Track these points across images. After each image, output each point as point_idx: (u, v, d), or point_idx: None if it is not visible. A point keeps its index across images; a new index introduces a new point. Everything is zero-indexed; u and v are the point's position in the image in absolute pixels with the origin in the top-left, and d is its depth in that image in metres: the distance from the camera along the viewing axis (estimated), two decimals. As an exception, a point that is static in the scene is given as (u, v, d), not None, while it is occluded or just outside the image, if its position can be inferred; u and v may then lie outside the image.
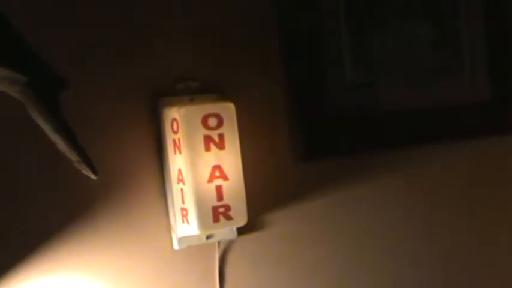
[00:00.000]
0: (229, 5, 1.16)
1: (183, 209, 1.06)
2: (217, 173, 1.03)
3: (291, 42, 1.20)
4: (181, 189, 1.05)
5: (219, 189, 1.03)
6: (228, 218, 1.04)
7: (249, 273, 1.17)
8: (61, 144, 0.71)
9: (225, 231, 1.14)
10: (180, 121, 1.02)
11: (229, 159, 1.04)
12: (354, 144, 1.27)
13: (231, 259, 1.16)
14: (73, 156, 0.72)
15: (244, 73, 1.17)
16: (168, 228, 1.11)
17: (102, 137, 1.05)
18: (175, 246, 1.11)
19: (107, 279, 1.06)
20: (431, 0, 1.39)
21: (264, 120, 1.18)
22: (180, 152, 1.04)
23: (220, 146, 1.03)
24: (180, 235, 1.10)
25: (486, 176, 1.41)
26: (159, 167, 1.11)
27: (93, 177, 0.76)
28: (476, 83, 1.44)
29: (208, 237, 1.13)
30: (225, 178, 1.04)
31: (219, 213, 1.03)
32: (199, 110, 1.02)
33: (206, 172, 1.03)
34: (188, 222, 1.05)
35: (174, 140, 1.06)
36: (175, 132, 1.05)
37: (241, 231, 1.15)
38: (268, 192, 1.18)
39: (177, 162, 1.05)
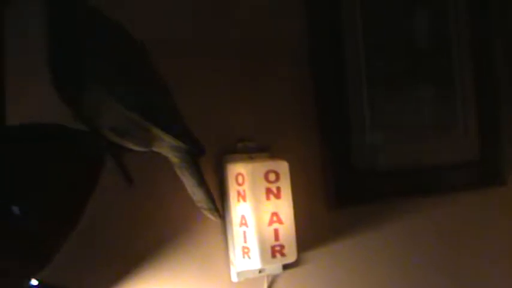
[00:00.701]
0: (278, 85, 1.42)
1: (244, 247, 1.30)
2: (274, 218, 1.28)
3: (325, 117, 1.46)
4: (244, 232, 1.29)
5: (276, 231, 1.28)
6: (283, 255, 1.28)
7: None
8: (199, 195, 0.94)
9: (273, 267, 1.37)
10: (246, 175, 1.27)
11: (284, 207, 1.29)
12: (374, 194, 1.53)
13: (277, 289, 1.40)
14: (206, 204, 0.96)
15: (289, 137, 1.43)
16: (228, 264, 1.34)
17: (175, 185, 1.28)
18: (234, 278, 1.34)
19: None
20: (433, 66, 1.66)
21: (303, 175, 1.42)
22: (245, 201, 1.28)
23: (278, 196, 1.28)
24: (239, 269, 1.33)
25: (480, 221, 1.68)
26: (222, 212, 1.34)
27: (218, 219, 1.00)
28: (468, 142, 1.72)
29: (260, 271, 1.36)
30: (281, 222, 1.28)
31: (275, 251, 1.27)
32: (262, 167, 1.27)
33: (266, 217, 1.27)
34: (250, 258, 1.28)
35: (238, 191, 1.30)
36: (240, 185, 1.29)
37: (285, 266, 1.38)
38: (307, 234, 1.41)
39: (241, 209, 1.29)
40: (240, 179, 1.29)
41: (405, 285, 1.55)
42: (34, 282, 0.94)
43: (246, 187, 1.27)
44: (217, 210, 0.98)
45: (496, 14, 1.71)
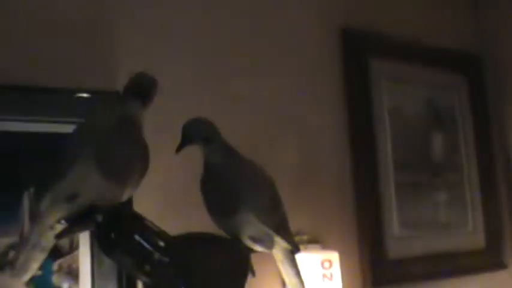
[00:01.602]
0: (325, 194, 1.80)
1: (304, 321, 1.64)
2: (328, 297, 1.63)
3: (362, 216, 1.85)
4: (304, 306, 1.64)
5: (329, 307, 1.63)
6: (335, 326, 1.63)
7: None
8: (295, 281, 1.29)
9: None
10: (306, 263, 1.63)
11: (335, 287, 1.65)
12: (401, 277, 1.90)
13: None
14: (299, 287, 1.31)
15: (334, 232, 1.79)
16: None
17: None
18: None
19: None
20: (446, 175, 2.06)
21: (345, 260, 1.77)
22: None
23: (331, 279, 1.64)
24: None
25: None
26: (283, 289, 1.69)
27: None
28: (476, 234, 2.11)
29: None
30: (333, 300, 1.64)
31: (329, 324, 1.63)
32: (319, 257, 1.64)
33: (322, 296, 1.63)
34: (308, 329, 1.63)
35: (298, 275, 1.65)
36: (300, 270, 1.65)
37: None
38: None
39: (302, 289, 1.64)
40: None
41: None
42: None
43: (306, 272, 1.63)
44: (307, 290, 1.33)
45: (496, 135, 2.14)
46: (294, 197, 1.73)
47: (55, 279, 1.37)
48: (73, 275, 1.40)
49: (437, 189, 2.04)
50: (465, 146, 2.14)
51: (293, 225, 1.69)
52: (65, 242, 1.40)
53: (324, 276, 1.62)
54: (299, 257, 1.63)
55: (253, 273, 1.15)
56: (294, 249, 1.22)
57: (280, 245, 1.20)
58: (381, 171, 1.88)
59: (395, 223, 1.89)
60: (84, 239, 1.42)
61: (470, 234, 2.09)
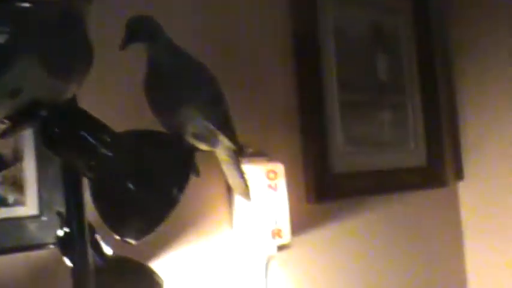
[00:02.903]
0: (271, 108, 1.82)
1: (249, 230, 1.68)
2: (273, 208, 1.67)
3: (308, 132, 1.88)
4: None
5: (275, 218, 1.67)
6: (280, 236, 1.67)
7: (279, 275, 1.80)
8: (239, 184, 1.31)
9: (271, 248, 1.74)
10: (252, 174, 1.65)
11: (281, 198, 1.68)
12: (344, 193, 1.95)
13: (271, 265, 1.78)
14: (243, 190, 1.33)
15: (280, 146, 1.83)
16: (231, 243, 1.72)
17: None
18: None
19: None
20: (390, 96, 2.11)
21: (289, 175, 1.81)
22: (250, 194, 1.66)
23: (275, 190, 1.67)
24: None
25: (426, 216, 2.12)
26: (229, 202, 1.72)
27: (249, 200, 1.36)
28: (418, 153, 2.17)
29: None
30: (278, 211, 1.68)
31: (275, 233, 1.67)
32: (264, 168, 1.66)
33: (268, 206, 1.66)
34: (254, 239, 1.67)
35: (245, 186, 1.68)
36: (246, 181, 1.67)
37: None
38: (293, 224, 1.80)
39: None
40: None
41: (366, 261, 1.98)
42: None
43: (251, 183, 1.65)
44: (250, 193, 1.35)
45: (439, 57, 2.19)
46: (240, 112, 1.74)
47: (0, 191, 1.36)
48: (18, 186, 1.39)
49: (382, 108, 2.09)
50: (408, 68, 2.18)
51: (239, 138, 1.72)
52: (8, 152, 1.38)
53: (269, 186, 1.65)
54: (245, 168, 1.66)
55: (198, 173, 1.15)
56: (237, 148, 1.23)
57: (224, 145, 1.20)
58: (326, 89, 1.91)
59: (339, 139, 1.93)
60: (28, 149, 1.40)
61: (413, 153, 2.16)
